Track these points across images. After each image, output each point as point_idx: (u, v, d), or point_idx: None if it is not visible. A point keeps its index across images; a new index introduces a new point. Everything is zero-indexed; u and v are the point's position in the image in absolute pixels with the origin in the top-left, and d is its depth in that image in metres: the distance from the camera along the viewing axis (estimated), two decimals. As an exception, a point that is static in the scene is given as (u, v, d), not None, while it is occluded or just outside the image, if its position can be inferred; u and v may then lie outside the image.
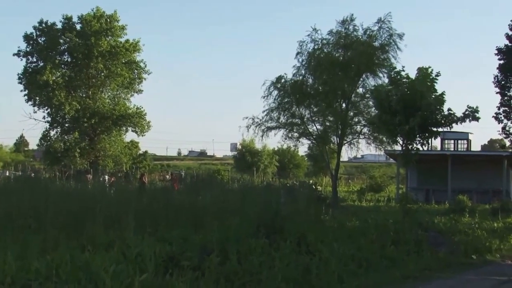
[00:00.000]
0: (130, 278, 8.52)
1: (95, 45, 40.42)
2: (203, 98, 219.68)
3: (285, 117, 29.16)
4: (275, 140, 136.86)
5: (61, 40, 41.97)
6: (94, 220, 11.55)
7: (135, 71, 43.54)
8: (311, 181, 42.21)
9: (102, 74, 42.40)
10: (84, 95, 42.48)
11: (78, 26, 42.10)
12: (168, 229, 12.00)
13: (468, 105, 20.41)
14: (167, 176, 45.09)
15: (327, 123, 28.94)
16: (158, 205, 14.45)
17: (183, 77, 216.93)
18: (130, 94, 44.38)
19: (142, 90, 44.81)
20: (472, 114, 20.36)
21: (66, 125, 42.56)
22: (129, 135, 49.07)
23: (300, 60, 28.16)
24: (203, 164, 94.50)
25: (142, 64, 43.76)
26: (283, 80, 28.39)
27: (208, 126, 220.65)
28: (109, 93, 43.81)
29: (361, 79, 27.68)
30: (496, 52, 25.60)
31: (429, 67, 20.25)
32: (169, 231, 11.72)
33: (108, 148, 42.56)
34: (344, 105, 28.10)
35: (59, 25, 42.09)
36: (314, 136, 29.84)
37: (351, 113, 28.38)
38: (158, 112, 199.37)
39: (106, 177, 27.45)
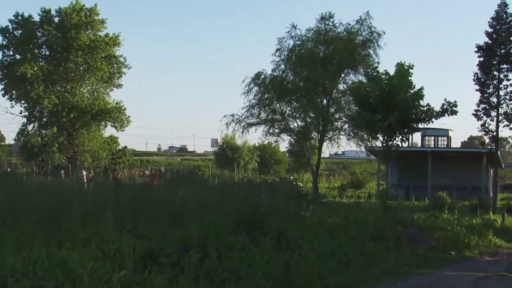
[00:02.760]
0: (108, 274, 8.38)
1: (74, 38, 39.92)
2: (184, 94, 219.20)
3: (266, 113, 29.14)
4: (255, 136, 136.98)
5: (38, 33, 41.39)
6: (71, 216, 11.37)
7: (115, 65, 43.05)
8: (292, 177, 42.29)
9: (81, 68, 41.83)
10: (62, 89, 41.90)
11: (56, 19, 41.54)
12: (147, 225, 11.86)
13: (445, 99, 20.64)
14: (147, 172, 44.81)
15: (308, 119, 28.93)
16: (137, 201, 14.31)
17: (163, 72, 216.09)
18: (110, 88, 43.85)
19: (122, 85, 44.31)
20: (450, 108, 20.57)
21: (44, 119, 41.94)
22: (108, 130, 48.64)
23: (280, 56, 28.16)
24: (183, 160, 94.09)
25: (121, 59, 43.37)
26: (262, 76, 28.34)
27: (189, 121, 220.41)
28: (88, 88, 43.21)
29: (342, 75, 27.75)
30: (476, 49, 25.78)
31: (405, 62, 20.45)
32: (148, 227, 11.59)
33: (87, 143, 42.03)
34: (325, 101, 28.13)
35: (37, 18, 41.54)
36: (295, 132, 29.82)
37: (332, 109, 28.42)
38: (138, 107, 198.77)
39: (84, 172, 27.12)
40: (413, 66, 20.39)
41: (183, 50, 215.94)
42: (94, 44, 40.89)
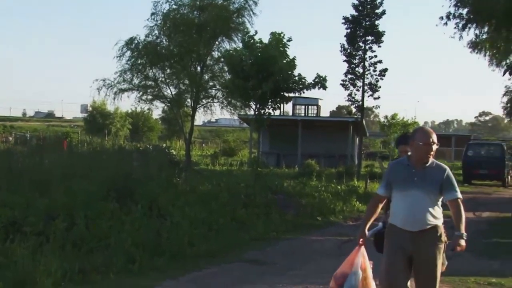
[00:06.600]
0: (-36, 245, 7.90)
1: None
2: (53, 57, 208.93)
3: (139, 79, 28.47)
4: (128, 103, 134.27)
5: None
6: None
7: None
8: (164, 145, 41.91)
9: None
10: None
11: None
12: (10, 194, 11.28)
13: (317, 73, 21.26)
14: (10, 138, 42.46)
15: (182, 86, 28.67)
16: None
17: (29, 32, 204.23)
18: (-31, 48, 40.81)
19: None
20: (321, 82, 21.25)
21: None
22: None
23: (155, 21, 27.55)
24: (51, 126, 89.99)
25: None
26: (136, 41, 27.61)
27: (57, 85, 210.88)
28: None
29: (217, 42, 27.68)
30: (344, 21, 26.67)
31: (282, 32, 20.73)
32: (11, 197, 11.01)
33: None
34: (199, 68, 27.97)
35: None
36: (168, 99, 29.46)
37: (206, 77, 28.33)
38: (0, 69, 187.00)
39: None
40: (291, 38, 20.68)
41: (52, 9, 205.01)
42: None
